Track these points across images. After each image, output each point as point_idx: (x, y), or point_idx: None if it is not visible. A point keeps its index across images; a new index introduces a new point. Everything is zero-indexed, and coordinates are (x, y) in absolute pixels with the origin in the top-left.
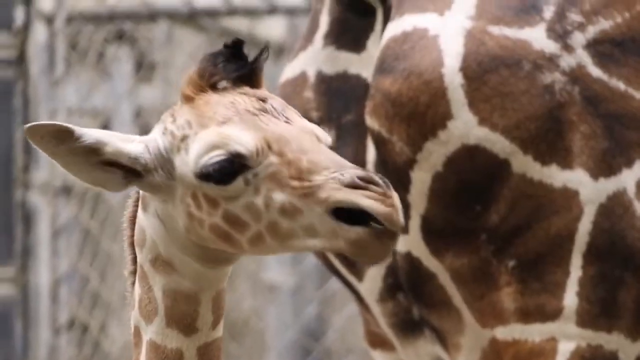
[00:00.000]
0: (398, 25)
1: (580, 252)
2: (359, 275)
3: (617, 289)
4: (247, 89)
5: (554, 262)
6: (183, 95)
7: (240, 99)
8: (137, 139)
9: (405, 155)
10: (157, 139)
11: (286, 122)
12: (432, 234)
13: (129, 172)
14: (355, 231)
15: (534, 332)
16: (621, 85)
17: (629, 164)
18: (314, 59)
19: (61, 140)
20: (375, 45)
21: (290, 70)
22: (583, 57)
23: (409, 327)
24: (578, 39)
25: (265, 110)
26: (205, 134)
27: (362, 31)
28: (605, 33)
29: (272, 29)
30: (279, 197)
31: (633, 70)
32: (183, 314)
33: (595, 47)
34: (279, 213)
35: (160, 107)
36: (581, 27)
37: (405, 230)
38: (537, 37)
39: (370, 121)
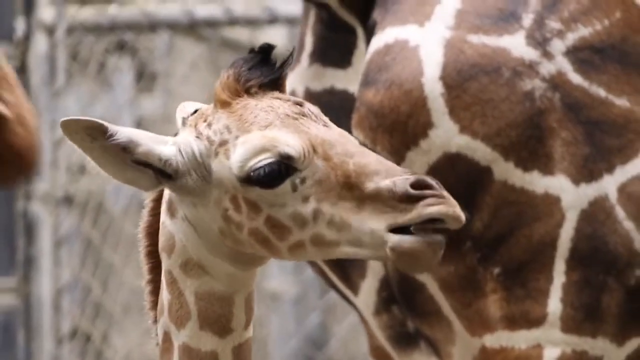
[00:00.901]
0: (381, 39)
1: (563, 258)
2: (355, 290)
3: (600, 294)
4: (279, 94)
5: (537, 268)
6: (219, 101)
7: (277, 103)
8: (170, 141)
9: None
10: (190, 143)
11: (325, 126)
12: None
13: (160, 172)
14: (409, 241)
15: (520, 339)
16: (601, 92)
17: (610, 169)
18: (301, 77)
19: (94, 136)
20: (360, 61)
21: None
22: (563, 64)
23: (404, 340)
24: (557, 46)
25: (304, 114)
26: (251, 137)
27: (346, 48)
28: (585, 40)
29: (273, 38)
30: (329, 210)
31: (613, 77)
32: (217, 316)
33: (575, 53)
34: (326, 225)
35: (161, 117)
36: (560, 34)
37: None
38: (516, 44)
39: (356, 133)
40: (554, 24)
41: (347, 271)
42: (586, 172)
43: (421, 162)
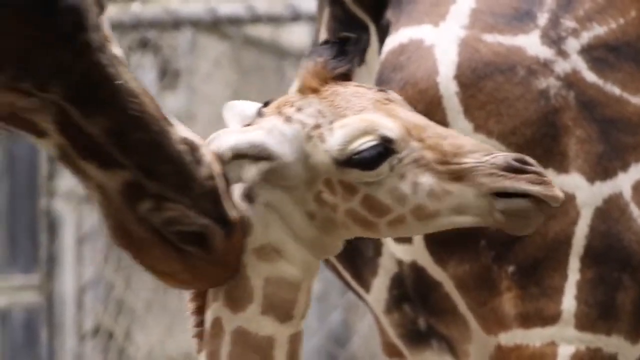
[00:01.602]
0: (395, 39)
1: (578, 256)
2: (366, 287)
3: (615, 292)
4: (358, 83)
5: (552, 266)
6: (308, 87)
7: (363, 90)
8: (250, 128)
9: None
10: (280, 126)
11: (411, 111)
12: (435, 242)
13: (255, 158)
14: (518, 203)
15: (535, 337)
16: (616, 90)
17: (625, 167)
18: None
19: None
20: (373, 59)
21: (295, 87)
22: (578, 62)
23: (416, 338)
24: (572, 44)
25: (391, 100)
26: (349, 121)
27: (361, 46)
28: (600, 38)
29: (296, 36)
30: (427, 180)
31: (628, 75)
32: (283, 302)
33: (590, 52)
34: (427, 196)
35: (184, 115)
36: (575, 32)
37: (409, 240)
38: (531, 43)
39: None
40: (569, 22)
41: (359, 269)
42: (601, 170)
43: None
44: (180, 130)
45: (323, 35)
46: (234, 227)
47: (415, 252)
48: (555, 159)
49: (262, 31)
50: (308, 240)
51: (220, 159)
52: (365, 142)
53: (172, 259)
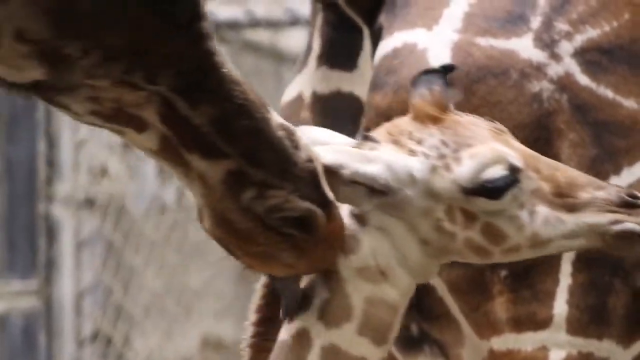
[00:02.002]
0: (389, 43)
1: (570, 260)
2: None
3: (607, 296)
4: (466, 113)
5: (544, 270)
6: (428, 117)
7: (475, 120)
8: (373, 159)
9: None
10: (402, 160)
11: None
12: None
13: (370, 189)
14: (632, 227)
15: (527, 341)
16: (609, 93)
17: (617, 171)
18: (309, 80)
19: None
20: (365, 63)
21: (288, 93)
22: (571, 66)
23: (408, 344)
24: (565, 47)
25: (502, 131)
26: (478, 151)
27: (352, 49)
28: (593, 41)
29: (294, 40)
30: (543, 210)
31: (621, 78)
32: (381, 324)
33: (583, 55)
34: (543, 225)
35: None
36: (568, 35)
37: None
38: (524, 46)
39: None
40: (562, 25)
41: None
42: (593, 174)
43: None
44: (277, 116)
45: (316, 41)
46: (334, 208)
47: None
48: None
49: (260, 36)
50: (415, 266)
51: (332, 174)
52: (497, 171)
53: (276, 245)
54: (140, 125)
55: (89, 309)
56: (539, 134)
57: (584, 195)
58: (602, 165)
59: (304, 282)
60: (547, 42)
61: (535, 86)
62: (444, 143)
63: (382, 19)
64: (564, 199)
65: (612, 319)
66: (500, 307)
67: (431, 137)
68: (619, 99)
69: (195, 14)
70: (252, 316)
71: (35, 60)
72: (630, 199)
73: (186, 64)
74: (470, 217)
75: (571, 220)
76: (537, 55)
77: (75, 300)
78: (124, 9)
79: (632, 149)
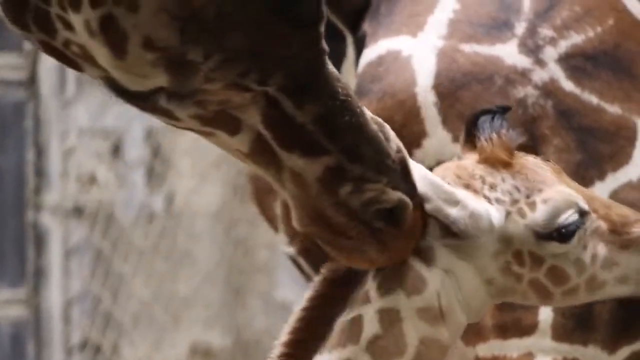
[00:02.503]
0: (373, 50)
1: None
2: None
3: (592, 302)
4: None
5: None
6: (499, 161)
7: (538, 161)
8: (460, 202)
9: None
10: (482, 208)
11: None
12: None
13: (444, 227)
14: None
15: (512, 348)
16: (593, 99)
17: (602, 176)
18: None
19: None
20: (349, 70)
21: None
22: (555, 71)
23: None
24: (550, 53)
25: (559, 171)
26: (550, 195)
27: (336, 57)
28: (577, 47)
29: None
30: (602, 251)
31: (605, 84)
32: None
33: (568, 61)
34: (600, 266)
35: (171, 127)
36: (553, 41)
37: None
38: (509, 52)
39: None
40: (546, 31)
41: None
42: (578, 179)
43: None
44: (367, 109)
45: None
46: (419, 198)
47: None
48: None
49: None
50: (476, 307)
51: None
52: (570, 216)
53: (366, 238)
54: (235, 128)
55: (77, 317)
56: (523, 140)
57: (636, 230)
58: (586, 171)
59: (350, 314)
60: (531, 48)
61: (520, 92)
62: (517, 188)
63: (366, 26)
64: (619, 236)
65: (597, 325)
66: (486, 314)
67: (503, 182)
68: (604, 104)
69: (318, 16)
70: (284, 336)
71: (162, 68)
72: None
73: (300, 64)
74: (538, 260)
75: (624, 261)
76: (521, 61)
77: (64, 308)
78: (249, 12)
79: (616, 155)
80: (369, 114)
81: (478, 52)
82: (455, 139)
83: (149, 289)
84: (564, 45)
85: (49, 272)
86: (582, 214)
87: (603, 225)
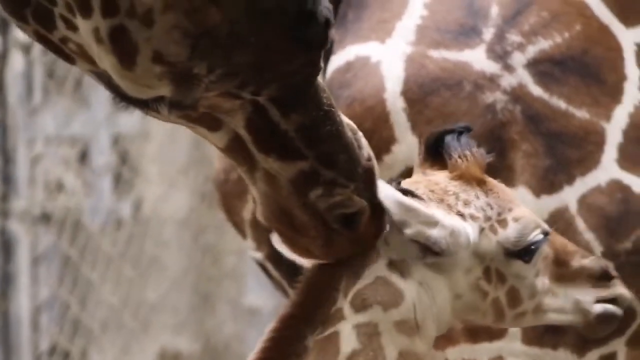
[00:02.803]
0: (341, 57)
1: None
2: None
3: None
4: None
5: None
6: (474, 179)
7: (500, 183)
8: (437, 222)
9: None
10: (459, 225)
11: None
12: None
13: (425, 248)
14: (614, 309)
15: (482, 352)
16: (562, 104)
17: (570, 181)
18: None
19: None
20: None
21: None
22: (524, 77)
23: None
24: (518, 58)
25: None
26: (520, 214)
27: None
28: (545, 53)
29: None
30: (548, 282)
31: (573, 89)
32: None
33: (536, 66)
34: (546, 295)
35: (138, 134)
36: (521, 47)
37: None
38: (477, 58)
39: None
40: (514, 37)
41: None
42: (547, 184)
43: (384, 177)
44: (343, 116)
45: None
46: (379, 207)
47: None
48: (502, 173)
49: None
50: (445, 319)
51: (385, 214)
52: (536, 235)
53: (321, 238)
54: (216, 126)
55: (45, 323)
56: (492, 145)
57: (575, 263)
58: (555, 176)
59: (324, 331)
60: (499, 53)
61: (489, 97)
62: (490, 205)
63: (334, 32)
64: (560, 266)
65: (566, 328)
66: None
67: (477, 199)
68: (572, 109)
69: (326, 37)
70: (253, 355)
71: (167, 80)
72: (610, 271)
73: (297, 79)
74: (502, 279)
75: (562, 294)
76: (490, 66)
77: (32, 315)
78: (263, 33)
79: (584, 159)
80: (345, 120)
81: (446, 58)
82: None
83: (117, 295)
84: (532, 50)
85: (16, 278)
86: (545, 234)
87: (549, 252)
